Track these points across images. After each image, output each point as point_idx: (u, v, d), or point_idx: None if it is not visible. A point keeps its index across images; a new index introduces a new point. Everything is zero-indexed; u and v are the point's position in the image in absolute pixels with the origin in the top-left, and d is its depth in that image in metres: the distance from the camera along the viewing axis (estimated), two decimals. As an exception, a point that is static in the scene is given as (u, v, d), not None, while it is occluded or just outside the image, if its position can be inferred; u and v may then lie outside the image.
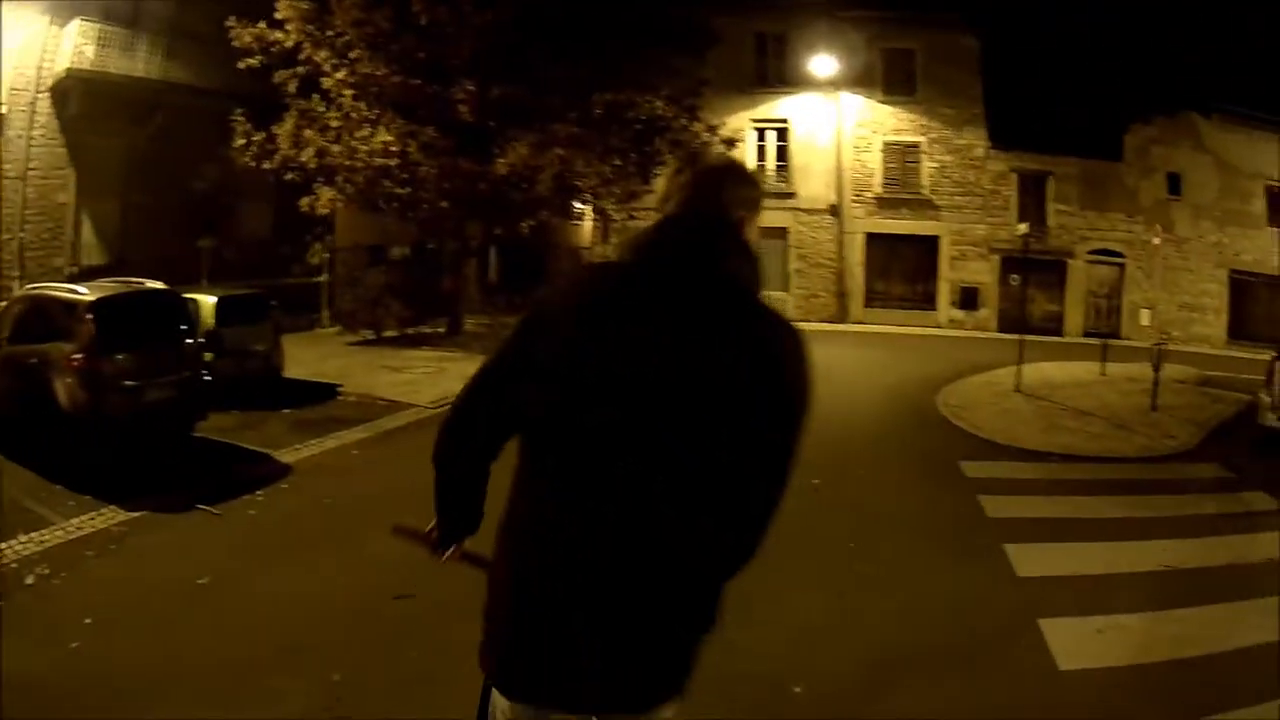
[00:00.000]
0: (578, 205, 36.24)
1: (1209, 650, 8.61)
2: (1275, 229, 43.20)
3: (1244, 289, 43.67)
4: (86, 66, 27.46)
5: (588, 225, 44.17)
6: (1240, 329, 42.98)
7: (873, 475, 15.31)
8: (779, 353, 2.92)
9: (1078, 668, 8.16)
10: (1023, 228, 32.30)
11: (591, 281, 3.23)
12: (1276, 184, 43.40)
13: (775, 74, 44.88)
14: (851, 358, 29.87)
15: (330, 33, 26.04)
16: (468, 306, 31.61)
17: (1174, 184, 44.31)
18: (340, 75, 26.27)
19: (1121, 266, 44.44)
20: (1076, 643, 8.69)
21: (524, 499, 3.04)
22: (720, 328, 2.88)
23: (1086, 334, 41.23)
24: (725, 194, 3.20)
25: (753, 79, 44.67)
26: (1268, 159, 43.12)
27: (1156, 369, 22.21)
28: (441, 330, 30.25)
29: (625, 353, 2.86)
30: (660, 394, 2.81)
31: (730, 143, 33.69)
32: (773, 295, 35.05)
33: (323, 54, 26.15)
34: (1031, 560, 10.99)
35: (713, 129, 32.57)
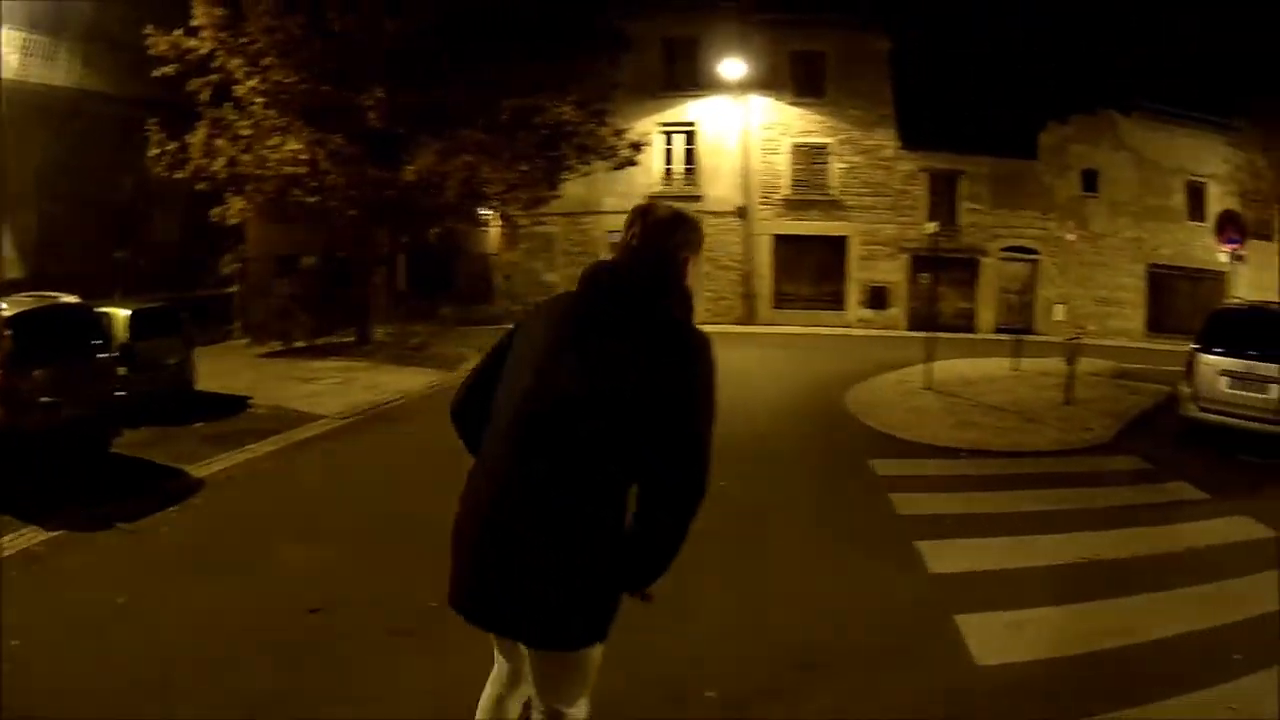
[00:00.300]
0: (485, 211, 36.15)
1: (1131, 641, 8.54)
2: (1196, 223, 45.88)
3: (1163, 283, 46.29)
4: (10, 76, 27.13)
5: (495, 231, 44.47)
6: (1159, 322, 44.58)
7: (782, 476, 15.12)
8: (691, 367, 3.89)
9: (996, 662, 8.04)
10: (931, 226, 33.13)
11: (553, 303, 4.27)
12: (1198, 179, 46.78)
13: (685, 77, 45.34)
14: (760, 359, 30.06)
15: (244, 39, 25.84)
16: (376, 315, 31.26)
17: (1090, 181, 46.37)
18: (252, 83, 26.04)
19: (1035, 263, 46.08)
20: (994, 637, 8.59)
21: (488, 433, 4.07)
22: (650, 349, 3.85)
23: (999, 330, 41.61)
24: (673, 240, 4.15)
25: (662, 83, 45.05)
26: (1189, 154, 46.59)
27: (1070, 363, 22.30)
28: (350, 340, 29.76)
29: (537, 359, 3.93)
30: (582, 396, 3.80)
31: (637, 146, 33.70)
32: None
33: (235, 61, 25.98)
34: (944, 556, 10.83)
35: (620, 133, 32.68)
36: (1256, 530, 12.50)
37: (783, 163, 45.81)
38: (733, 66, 43.58)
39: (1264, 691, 7.52)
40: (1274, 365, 16.94)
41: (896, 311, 45.16)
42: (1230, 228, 26.55)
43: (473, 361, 22.61)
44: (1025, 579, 10.19)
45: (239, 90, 26.23)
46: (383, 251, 32.13)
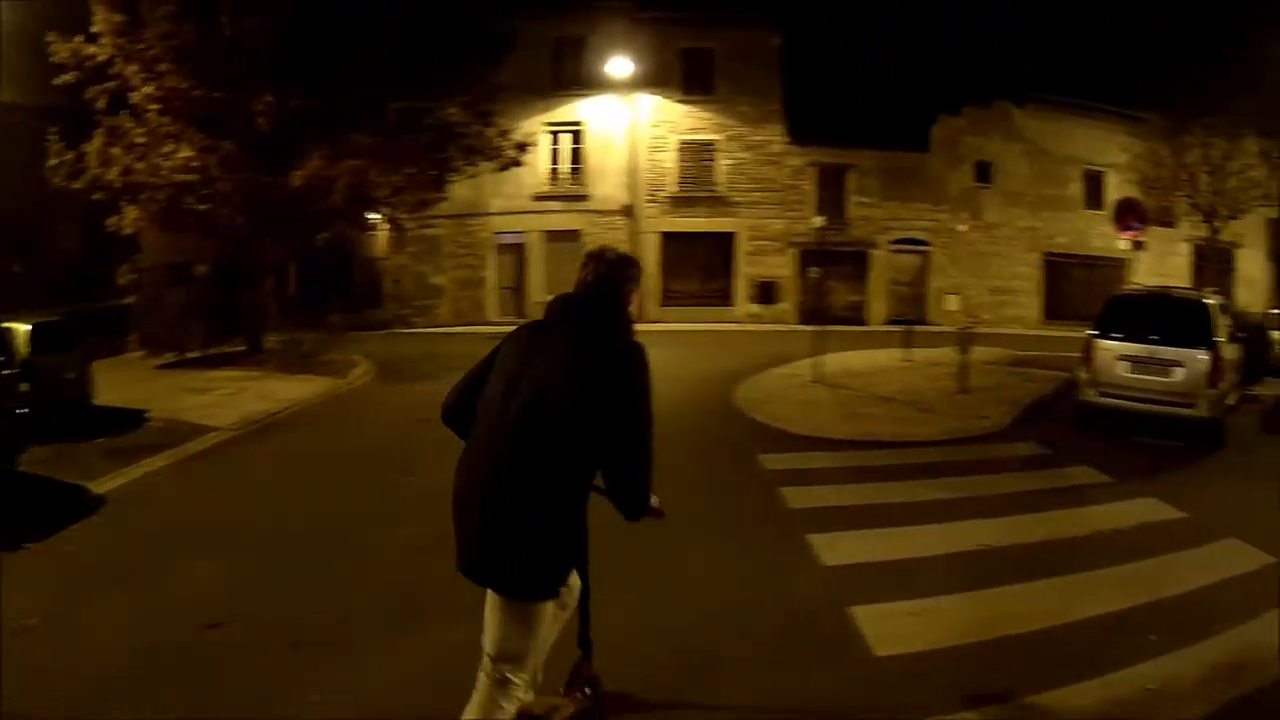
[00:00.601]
0: (373, 216, 35.98)
1: (1040, 626, 8.42)
2: (1094, 212, 46.87)
3: (1059, 271, 47.49)
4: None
5: (383, 236, 44.46)
6: (1056, 310, 45.55)
7: (671, 476, 14.00)
8: (631, 379, 4.84)
9: (893, 653, 7.83)
10: (817, 221, 33.64)
11: (525, 329, 5.17)
12: (1096, 168, 47.90)
13: (573, 76, 45.23)
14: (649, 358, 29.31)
15: (141, 45, 25.29)
16: (268, 324, 30.60)
17: (984, 172, 47.28)
18: (148, 89, 25.45)
19: (926, 254, 46.82)
20: (891, 627, 8.37)
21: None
22: (601, 362, 4.80)
23: (891, 322, 41.81)
24: (621, 276, 5.09)
25: (550, 82, 44.80)
26: (1087, 144, 47.65)
27: (963, 352, 22.13)
28: (242, 349, 29.18)
29: (514, 369, 4.88)
30: (528, 403, 4.71)
31: (523, 147, 33.39)
32: None
33: (132, 68, 25.39)
34: (837, 549, 10.57)
35: (505, 134, 32.25)
36: (1164, 511, 12.39)
37: (670, 160, 45.74)
38: (620, 65, 43.41)
39: (1180, 670, 7.53)
40: (1178, 349, 17.12)
41: (786, 306, 45.29)
42: (1130, 215, 26.42)
43: (362, 368, 23.57)
44: (922, 568, 9.97)
45: (135, 97, 25.78)
46: (272, 259, 31.68)
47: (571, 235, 43.96)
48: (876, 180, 46.27)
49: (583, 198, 45.12)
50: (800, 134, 45.24)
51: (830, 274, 41.83)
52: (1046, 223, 47.57)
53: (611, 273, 5.13)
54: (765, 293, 45.64)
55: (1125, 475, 14.39)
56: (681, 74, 45.38)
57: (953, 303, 44.45)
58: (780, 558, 10.42)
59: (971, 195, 46.28)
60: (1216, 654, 7.88)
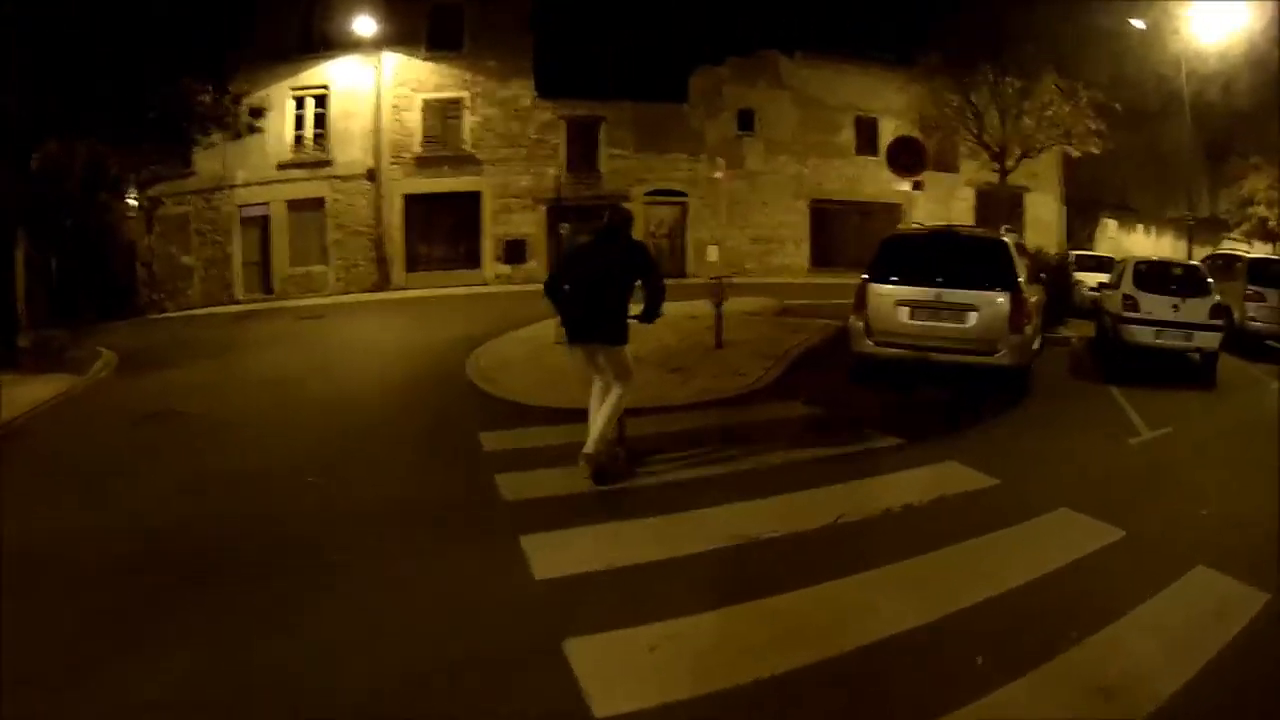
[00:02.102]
0: (129, 200, 36.37)
1: (806, 659, 6.30)
2: (867, 157, 46.87)
3: (829, 217, 47.81)
4: None
5: (132, 220, 41.58)
6: (826, 257, 45.85)
7: (385, 466, 12.32)
8: (645, 258, 11.10)
9: (619, 712, 5.67)
10: (553, 174, 34.12)
11: (578, 245, 11.65)
12: (868, 114, 48.62)
13: (319, 38, 43.90)
14: (382, 329, 29.01)
15: None
16: (22, 320, 27.88)
17: (747, 121, 47.39)
18: None
19: (684, 205, 46.56)
20: (616, 670, 6.27)
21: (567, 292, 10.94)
22: (621, 254, 10.78)
23: None
24: (621, 218, 11.07)
25: (297, 45, 43.42)
26: (860, 91, 48.47)
27: (718, 305, 20.34)
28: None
29: (583, 264, 10.87)
30: (595, 270, 10.60)
31: (256, 112, 32.85)
32: (313, 271, 43.64)
33: None
34: (555, 555, 8.36)
35: (238, 99, 31.18)
36: (969, 478, 10.68)
37: (415, 120, 44.53)
38: (365, 23, 42.45)
39: (1022, 712, 5.72)
40: (972, 292, 15.68)
41: (535, 264, 43.89)
42: (904, 154, 24.30)
43: (102, 361, 22.28)
44: (665, 575, 7.86)
45: None
46: (19, 251, 29.15)
47: (316, 204, 43.61)
48: (630, 132, 45.62)
49: (327, 163, 43.63)
50: (550, 88, 44.56)
51: (581, 229, 38.84)
52: (815, 170, 47.59)
53: (616, 215, 11.04)
54: (514, 252, 44.65)
55: (915, 435, 12.53)
56: (429, 30, 44.16)
57: (713, 253, 43.31)
58: (484, 570, 8.19)
59: (733, 144, 45.77)
60: (1071, 679, 6.01)
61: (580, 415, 11.58)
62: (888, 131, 45.07)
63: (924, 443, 12.17)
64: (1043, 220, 48.36)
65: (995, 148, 38.49)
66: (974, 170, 43.73)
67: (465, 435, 13.39)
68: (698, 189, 45.80)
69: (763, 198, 45.96)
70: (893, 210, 38.60)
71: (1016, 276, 15.75)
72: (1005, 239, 16.76)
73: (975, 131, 38.86)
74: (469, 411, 15.63)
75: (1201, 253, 39.73)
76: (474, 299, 37.04)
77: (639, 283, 10.67)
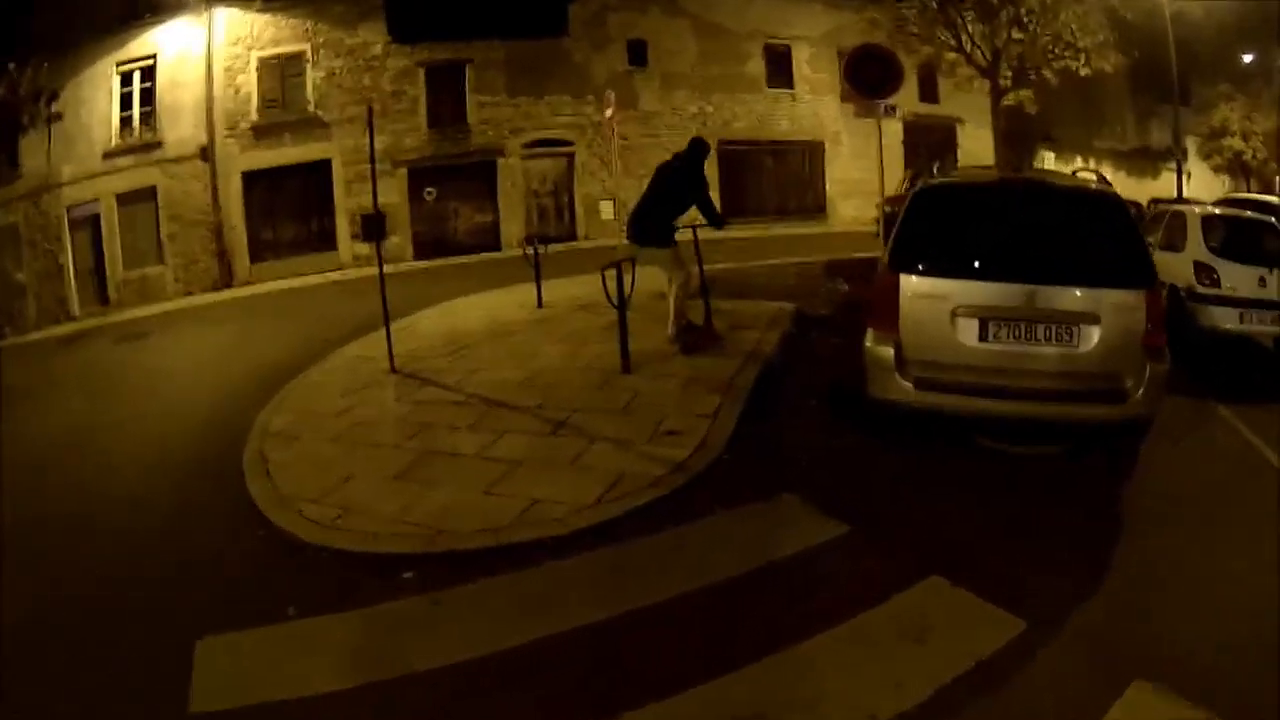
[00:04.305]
0: None
1: None
2: (781, 90, 43.78)
3: (737, 160, 41.92)
4: None
5: None
6: (739, 205, 38.86)
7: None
8: (700, 176, 14.38)
9: None
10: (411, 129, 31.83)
11: (661, 167, 14.60)
12: (778, 42, 43.91)
13: (145, 6, 37.70)
14: (198, 350, 22.34)
15: None
16: None
17: (639, 53, 42.11)
18: None
19: (570, 157, 41.05)
20: None
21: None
22: (686, 173, 14.13)
23: (530, 242, 33.92)
24: (699, 151, 14.41)
25: (120, 14, 37.24)
26: (767, 15, 43.49)
27: (617, 294, 12.79)
28: None
29: (656, 181, 14.42)
30: (660, 187, 14.14)
31: (51, 99, 32.91)
32: (149, 274, 36.21)
33: None
34: None
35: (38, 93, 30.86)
36: None
37: (250, 84, 38.19)
38: None
39: None
40: (1086, 290, 9.20)
41: (399, 240, 38.28)
42: (869, 69, 17.85)
43: None
44: None
45: None
46: None
47: (148, 194, 37.25)
48: (503, 75, 39.93)
49: (156, 145, 37.28)
50: (406, 30, 38.49)
51: (450, 193, 38.05)
52: (720, 107, 42.48)
53: (690, 151, 14.12)
54: (372, 228, 36.24)
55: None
56: None
57: (607, 210, 38.65)
58: None
59: (623, 81, 39.63)
60: None
61: (384, 569, 7.59)
62: (803, 61, 43.41)
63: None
64: (975, 155, 43.19)
65: (985, 61, 34.63)
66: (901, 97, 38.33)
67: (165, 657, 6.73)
68: (585, 136, 40.69)
69: (660, 141, 39.21)
70: (814, 150, 40.10)
71: (1151, 261, 9.47)
72: (1111, 194, 10.07)
73: (955, 43, 34.75)
74: (203, 579, 8.16)
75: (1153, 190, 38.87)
76: (321, 292, 31.02)
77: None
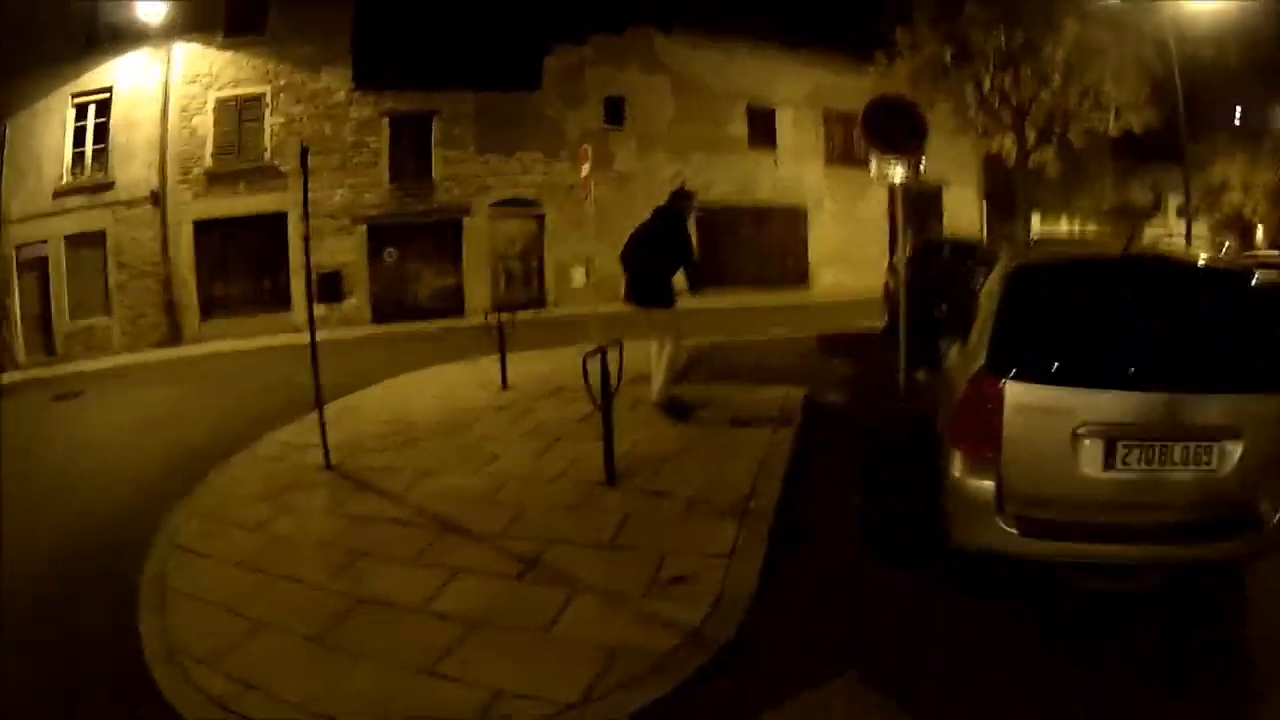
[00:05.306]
0: None
1: None
2: (760, 151, 43.36)
3: (717, 225, 40.23)
4: None
5: None
6: (715, 273, 37.98)
7: None
8: (684, 235, 14.37)
9: None
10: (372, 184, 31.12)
11: (641, 225, 14.43)
12: (761, 104, 43.72)
13: (105, 31, 36.40)
14: (129, 421, 19.43)
15: None
16: None
17: (615, 111, 41.49)
18: None
19: (540, 217, 40.27)
20: None
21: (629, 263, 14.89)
22: (668, 231, 14.18)
23: (498, 309, 31.77)
24: (682, 204, 14.60)
25: (81, 45, 36.15)
26: (751, 76, 43.08)
27: (603, 389, 10.39)
28: None
29: (638, 240, 14.34)
30: (646, 246, 14.07)
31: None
32: (96, 325, 35.11)
33: None
34: None
35: None
36: None
37: (206, 125, 36.91)
38: (152, 8, 35.54)
39: None
40: (1227, 396, 7.10)
41: (356, 301, 37.56)
42: (893, 123, 15.40)
43: None
44: None
45: None
46: None
47: (97, 239, 36.05)
48: (471, 128, 38.87)
49: (108, 186, 35.96)
50: (371, 77, 37.41)
51: (412, 253, 37.76)
52: (699, 169, 40.28)
53: (671, 202, 14.23)
54: (329, 287, 36.35)
55: None
56: (228, 12, 36.96)
57: (579, 277, 37.87)
58: None
59: (599, 139, 38.03)
60: None
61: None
62: (788, 123, 43.27)
63: None
64: (964, 219, 42.95)
65: (1010, 109, 32.74)
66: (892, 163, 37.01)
67: None
68: (555, 197, 39.46)
69: (636, 204, 36.98)
70: (796, 216, 39.52)
71: None
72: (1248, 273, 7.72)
73: (980, 93, 32.96)
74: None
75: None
76: (274, 355, 28.19)
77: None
